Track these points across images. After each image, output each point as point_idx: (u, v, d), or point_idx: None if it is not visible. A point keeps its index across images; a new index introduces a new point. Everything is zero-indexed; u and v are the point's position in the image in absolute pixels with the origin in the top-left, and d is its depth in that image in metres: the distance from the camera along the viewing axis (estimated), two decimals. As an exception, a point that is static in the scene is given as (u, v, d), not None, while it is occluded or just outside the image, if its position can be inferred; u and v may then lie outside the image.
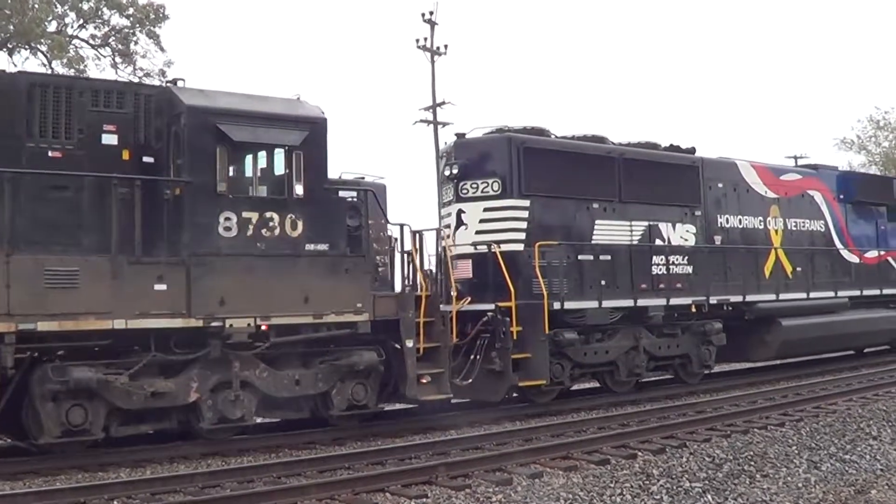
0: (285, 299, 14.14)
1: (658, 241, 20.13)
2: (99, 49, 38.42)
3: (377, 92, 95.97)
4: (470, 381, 16.73)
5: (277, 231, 14.12)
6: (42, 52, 36.72)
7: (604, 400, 18.75)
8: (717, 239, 21.56)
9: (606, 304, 18.62)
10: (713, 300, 20.70)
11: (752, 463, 12.39)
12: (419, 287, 16.25)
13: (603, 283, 18.69)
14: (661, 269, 19.94)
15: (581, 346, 18.26)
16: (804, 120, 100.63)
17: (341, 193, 15.96)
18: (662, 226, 20.31)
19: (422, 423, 16.03)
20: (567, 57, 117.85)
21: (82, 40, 38.29)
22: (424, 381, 15.57)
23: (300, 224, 14.35)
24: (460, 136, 18.99)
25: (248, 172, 14.74)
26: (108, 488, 10.95)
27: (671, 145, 21.48)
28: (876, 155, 61.49)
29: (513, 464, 12.14)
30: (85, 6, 37.06)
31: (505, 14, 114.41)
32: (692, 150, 21.78)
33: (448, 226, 18.54)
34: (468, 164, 18.29)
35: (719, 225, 21.75)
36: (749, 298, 21.57)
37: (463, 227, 18.23)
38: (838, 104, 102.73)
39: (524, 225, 17.96)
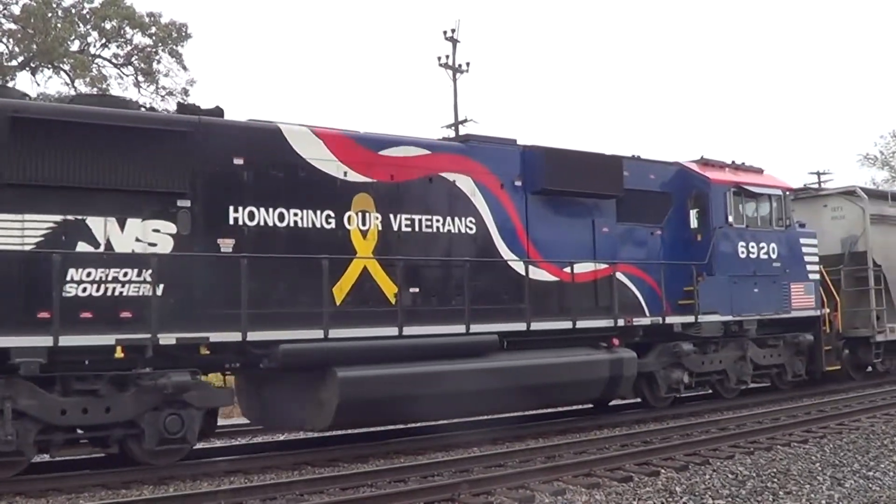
0: None
1: (84, 246, 13.26)
2: (122, 68, 38.86)
3: (400, 109, 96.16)
4: None
5: None
6: (65, 72, 37.14)
7: (628, 417, 18.70)
8: (227, 244, 14.46)
9: None
10: (169, 339, 13.27)
11: (776, 480, 12.33)
12: None
13: None
14: (85, 290, 13.11)
15: None
16: (827, 136, 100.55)
17: None
18: (95, 223, 13.27)
19: (444, 441, 16.02)
20: (590, 72, 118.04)
21: (105, 59, 38.73)
22: None
23: None
24: None
25: None
26: (131, 506, 11.00)
27: (182, 104, 15.24)
28: (899, 171, 61.26)
29: (535, 481, 12.11)
30: (108, 25, 37.42)
31: (526, 31, 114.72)
32: (217, 112, 15.06)
33: None
34: None
35: (233, 222, 14.50)
36: (263, 337, 14.00)
37: None
38: (861, 120, 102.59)
39: None
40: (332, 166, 15.60)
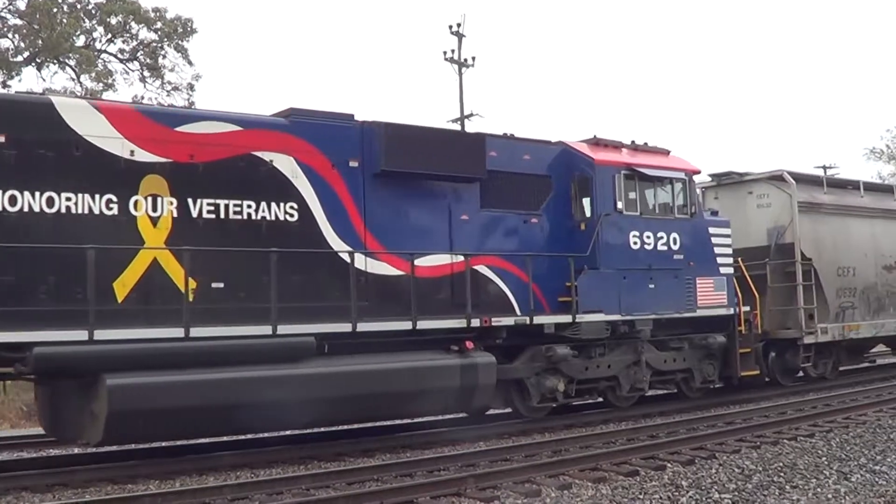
0: None
1: None
2: (127, 63, 38.76)
3: (406, 104, 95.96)
4: None
5: None
6: (70, 67, 37.08)
7: (636, 412, 18.68)
8: None
9: None
10: None
11: (782, 474, 12.32)
12: None
13: None
14: None
15: None
16: (834, 130, 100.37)
17: None
18: None
19: (451, 435, 16.01)
20: (598, 66, 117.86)
21: (110, 55, 38.63)
22: None
23: None
24: None
25: None
26: (137, 500, 11.00)
27: None
28: (905, 165, 61.06)
29: (542, 475, 12.11)
30: (113, 21, 37.36)
31: (532, 25, 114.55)
32: None
33: None
34: None
35: None
36: (10, 338, 12.02)
37: None
38: (868, 114, 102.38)
39: None
40: (116, 144, 13.55)
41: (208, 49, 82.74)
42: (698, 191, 22.34)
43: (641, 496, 11.17)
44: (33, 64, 36.49)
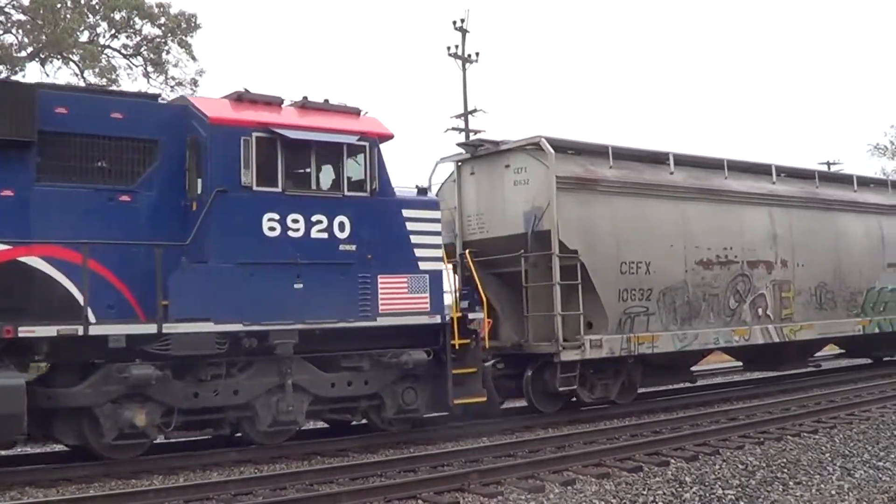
0: None
1: None
2: (131, 59, 38.78)
3: (409, 100, 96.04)
4: None
5: None
6: (74, 62, 37.10)
7: (637, 408, 18.66)
8: None
9: None
10: None
11: (785, 470, 12.33)
12: None
13: None
14: None
15: None
16: (837, 126, 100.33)
17: None
18: None
19: (454, 431, 16.00)
20: (600, 63, 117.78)
21: (114, 50, 38.65)
22: None
23: None
24: None
25: None
26: (140, 495, 10.98)
27: None
28: (909, 161, 60.96)
29: (545, 471, 12.11)
30: (117, 16, 37.39)
31: (536, 21, 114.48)
32: None
33: None
34: None
35: None
36: None
37: None
38: (872, 110, 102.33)
39: None
40: None
41: (212, 44, 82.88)
42: (451, 165, 19.49)
43: (645, 492, 11.17)
44: (37, 59, 36.51)
